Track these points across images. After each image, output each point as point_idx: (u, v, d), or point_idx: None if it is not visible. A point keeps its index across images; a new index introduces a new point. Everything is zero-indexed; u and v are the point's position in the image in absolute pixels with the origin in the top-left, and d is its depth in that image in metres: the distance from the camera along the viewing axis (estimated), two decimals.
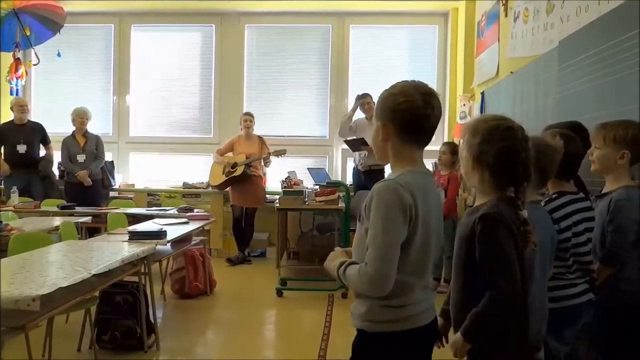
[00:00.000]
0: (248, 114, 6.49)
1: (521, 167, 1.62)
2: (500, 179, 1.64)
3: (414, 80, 1.62)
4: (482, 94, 5.68)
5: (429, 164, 6.25)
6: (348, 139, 6.19)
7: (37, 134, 6.24)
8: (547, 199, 2.19)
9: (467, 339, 1.62)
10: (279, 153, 6.17)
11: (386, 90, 1.63)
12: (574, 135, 2.25)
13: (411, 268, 1.53)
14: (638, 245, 2.19)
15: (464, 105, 6.27)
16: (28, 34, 6.22)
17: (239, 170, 6.16)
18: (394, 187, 1.48)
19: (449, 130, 6.82)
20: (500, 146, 1.61)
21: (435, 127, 1.59)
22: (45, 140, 6.30)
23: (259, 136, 6.48)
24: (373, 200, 1.50)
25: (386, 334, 1.56)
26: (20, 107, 6.18)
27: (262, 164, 6.37)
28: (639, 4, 2.47)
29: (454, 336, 1.66)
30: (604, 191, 2.31)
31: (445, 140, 6.44)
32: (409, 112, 1.54)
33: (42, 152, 6.32)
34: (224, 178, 6.25)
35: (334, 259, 1.64)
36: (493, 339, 1.61)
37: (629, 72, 2.49)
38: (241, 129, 6.47)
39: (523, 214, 1.61)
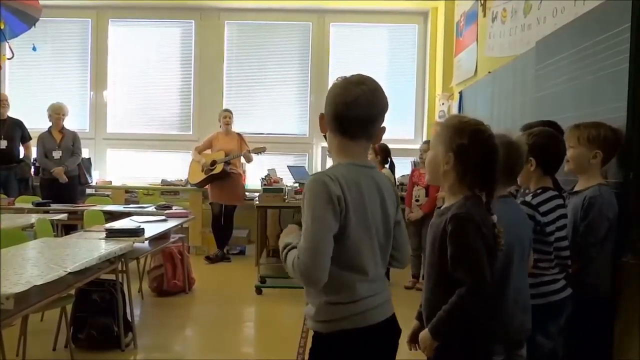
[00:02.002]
0: (227, 110, 6.45)
1: (495, 172, 1.66)
2: (474, 182, 1.66)
3: (359, 74, 1.57)
4: (461, 93, 5.74)
5: (407, 162, 6.32)
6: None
7: (17, 130, 6.13)
8: (532, 193, 2.24)
9: (435, 337, 1.63)
10: (259, 150, 6.15)
11: None
12: (559, 134, 2.30)
13: (348, 262, 1.50)
14: (607, 241, 2.26)
15: (443, 104, 6.33)
16: (2, 27, 6.08)
17: (218, 168, 6.12)
18: (322, 180, 1.47)
19: (428, 128, 6.88)
20: (484, 150, 1.64)
21: (366, 118, 1.52)
22: (24, 137, 6.20)
23: (238, 133, 6.44)
24: (305, 195, 1.49)
25: (337, 333, 1.52)
26: (0, 101, 6.06)
27: (243, 160, 6.34)
28: (614, 6, 2.52)
29: (422, 332, 1.68)
30: (576, 189, 2.36)
31: (425, 139, 6.50)
32: (333, 104, 1.53)
33: (22, 152, 6.21)
34: (203, 176, 6.20)
35: (286, 236, 1.60)
36: (462, 335, 1.63)
37: (605, 73, 2.54)
38: (220, 126, 6.44)
39: (493, 218, 1.64)
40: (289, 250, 1.52)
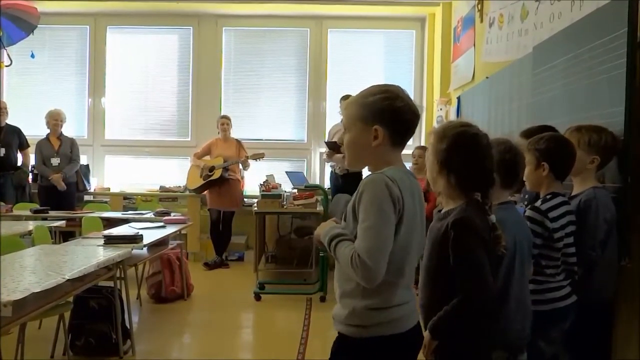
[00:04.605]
0: (225, 117, 6.47)
1: (486, 173, 1.67)
2: (465, 184, 1.68)
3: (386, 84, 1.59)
4: (458, 98, 5.75)
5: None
6: (328, 140, 6.18)
7: (14, 137, 6.13)
8: (541, 198, 2.23)
9: (434, 335, 1.64)
10: (257, 157, 6.15)
11: (372, 92, 1.55)
12: (568, 138, 2.29)
13: (393, 266, 1.46)
14: (607, 243, 2.25)
15: (441, 109, 6.33)
16: (0, 34, 6.09)
17: (216, 174, 6.12)
18: (383, 180, 1.44)
19: (426, 134, 6.88)
20: (466, 152, 1.65)
21: (415, 124, 1.58)
22: (22, 143, 6.20)
23: (236, 139, 6.46)
24: (363, 194, 1.44)
25: (370, 339, 1.48)
26: None
27: (241, 167, 6.34)
28: (610, 11, 2.53)
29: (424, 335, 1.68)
30: (573, 193, 2.36)
31: (423, 144, 6.49)
32: (407, 115, 1.52)
33: (19, 159, 6.21)
34: (201, 181, 6.20)
35: (325, 228, 1.56)
36: (462, 339, 1.63)
37: (601, 78, 2.55)
38: (218, 132, 6.45)
39: (491, 218, 1.65)
40: (340, 241, 1.47)
